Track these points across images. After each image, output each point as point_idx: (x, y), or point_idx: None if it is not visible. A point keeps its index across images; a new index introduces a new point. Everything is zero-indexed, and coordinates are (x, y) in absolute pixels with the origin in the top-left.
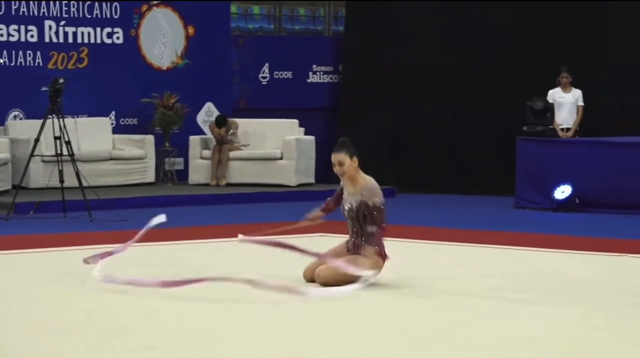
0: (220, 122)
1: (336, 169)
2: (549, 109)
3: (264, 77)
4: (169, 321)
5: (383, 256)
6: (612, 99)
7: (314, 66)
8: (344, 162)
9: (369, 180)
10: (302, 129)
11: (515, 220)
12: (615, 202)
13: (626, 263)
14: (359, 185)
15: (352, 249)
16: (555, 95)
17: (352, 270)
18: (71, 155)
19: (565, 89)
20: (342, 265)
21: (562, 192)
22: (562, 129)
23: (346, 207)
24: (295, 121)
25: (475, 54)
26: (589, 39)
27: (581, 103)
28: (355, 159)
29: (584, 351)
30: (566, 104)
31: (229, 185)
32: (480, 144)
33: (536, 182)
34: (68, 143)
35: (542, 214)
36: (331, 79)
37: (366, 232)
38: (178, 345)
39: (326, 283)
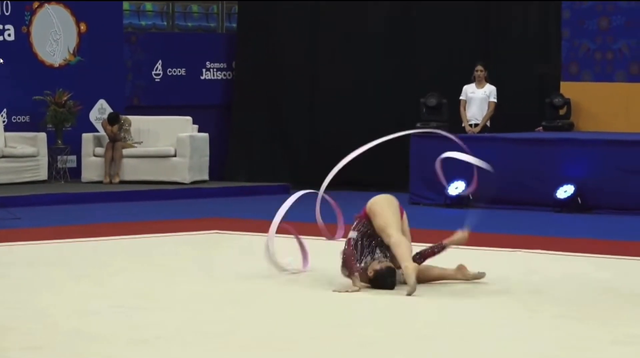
0: (113, 120)
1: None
2: (443, 105)
3: (157, 74)
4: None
5: None
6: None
7: (207, 63)
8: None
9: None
10: (196, 126)
11: (409, 216)
12: (509, 199)
13: (520, 258)
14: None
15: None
16: (467, 90)
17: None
18: None
19: (479, 84)
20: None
21: (456, 188)
22: (471, 125)
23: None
24: (189, 118)
25: (368, 51)
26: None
27: (493, 99)
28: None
29: None
30: (476, 99)
31: (122, 182)
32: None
33: (430, 178)
34: None
35: (436, 210)
36: (225, 76)
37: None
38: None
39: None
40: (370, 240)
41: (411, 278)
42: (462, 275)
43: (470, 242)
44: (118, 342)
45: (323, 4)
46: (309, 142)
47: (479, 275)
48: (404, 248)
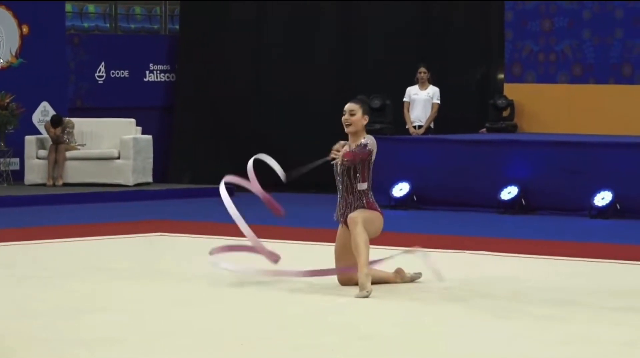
0: (56, 122)
1: (345, 117)
2: (387, 107)
3: (100, 76)
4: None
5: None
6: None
7: (150, 65)
8: (356, 112)
9: (369, 137)
10: (139, 128)
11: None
12: (454, 200)
13: (464, 259)
14: (359, 142)
15: (344, 217)
16: (411, 92)
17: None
18: None
19: (423, 85)
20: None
21: (400, 189)
22: (415, 126)
23: (338, 162)
24: (132, 120)
25: (312, 53)
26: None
27: (436, 100)
28: (366, 117)
29: None
30: (420, 100)
31: (65, 185)
32: (319, 143)
33: (375, 179)
34: None
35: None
36: (168, 77)
37: (356, 190)
38: None
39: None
40: (350, 167)
41: (367, 285)
42: (400, 278)
43: (415, 243)
44: (62, 344)
45: (266, 5)
46: (253, 143)
47: (416, 276)
48: (365, 252)
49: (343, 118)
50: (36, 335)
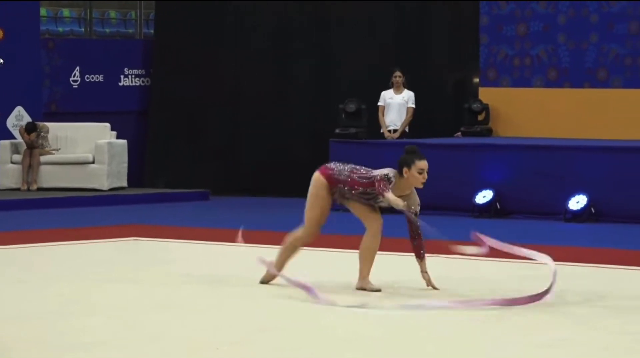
0: (31, 129)
1: (424, 176)
2: (362, 111)
3: (75, 81)
4: None
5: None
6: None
7: (125, 69)
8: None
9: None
10: (114, 133)
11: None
12: (429, 204)
13: (437, 263)
14: (411, 194)
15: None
16: (386, 96)
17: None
18: None
19: (397, 89)
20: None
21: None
22: (390, 131)
23: (385, 204)
24: (107, 125)
25: (288, 57)
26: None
27: (412, 105)
28: None
29: None
30: (395, 104)
31: (40, 189)
32: (294, 146)
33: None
34: None
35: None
36: (143, 82)
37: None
38: None
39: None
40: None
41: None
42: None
43: (388, 248)
44: (42, 349)
45: (242, 9)
46: (228, 148)
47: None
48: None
49: (423, 176)
50: (19, 338)
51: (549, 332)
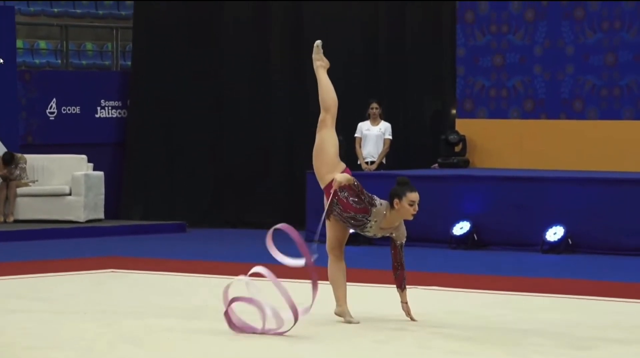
0: (8, 161)
1: (415, 208)
2: (339, 142)
3: (52, 113)
4: None
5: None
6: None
7: (102, 101)
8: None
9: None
10: (91, 165)
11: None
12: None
13: (416, 294)
14: (399, 226)
15: None
16: (363, 127)
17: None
18: None
19: (374, 121)
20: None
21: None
22: (367, 162)
23: (370, 233)
24: (84, 157)
25: (265, 90)
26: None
27: (388, 136)
28: None
29: None
30: (372, 136)
31: (16, 221)
32: (272, 178)
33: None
34: None
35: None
36: (120, 113)
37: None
38: None
39: None
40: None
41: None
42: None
43: (365, 279)
44: None
45: (219, 42)
46: (205, 180)
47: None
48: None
49: (414, 208)
50: None
51: None
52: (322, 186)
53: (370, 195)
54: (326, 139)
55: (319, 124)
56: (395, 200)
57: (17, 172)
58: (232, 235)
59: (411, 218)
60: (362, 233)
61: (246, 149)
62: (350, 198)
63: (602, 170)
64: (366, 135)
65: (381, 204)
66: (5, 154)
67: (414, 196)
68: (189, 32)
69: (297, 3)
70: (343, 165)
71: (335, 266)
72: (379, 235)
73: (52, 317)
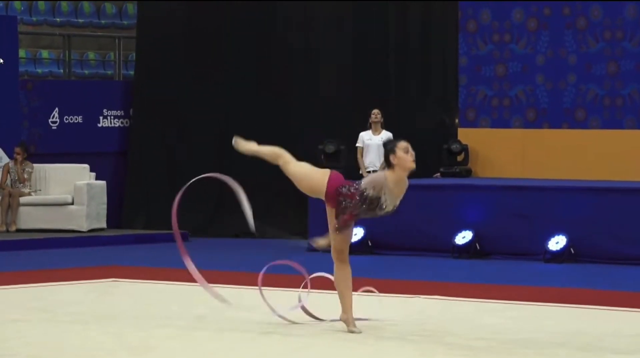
0: (25, 148)
1: (412, 153)
2: (341, 151)
3: (54, 122)
4: None
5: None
6: None
7: (104, 110)
8: None
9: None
10: (93, 174)
11: (308, 262)
12: (408, 245)
13: (418, 304)
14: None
15: None
16: (364, 137)
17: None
18: None
19: (376, 130)
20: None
21: (355, 234)
22: (369, 171)
23: (390, 206)
24: (86, 166)
25: (267, 96)
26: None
27: None
28: None
29: None
30: (373, 146)
31: (19, 231)
32: (275, 186)
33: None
34: None
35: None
36: (122, 123)
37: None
38: None
39: None
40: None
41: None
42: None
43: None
44: None
45: (222, 52)
46: (210, 188)
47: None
48: None
49: (411, 155)
50: None
51: None
52: (323, 197)
53: (358, 181)
54: (297, 170)
55: (282, 168)
56: (391, 156)
57: (25, 175)
58: (235, 244)
59: (413, 165)
60: (380, 213)
61: (249, 158)
62: (352, 188)
63: (604, 180)
64: (368, 145)
65: (377, 174)
66: (22, 142)
67: (404, 144)
68: (191, 42)
69: (302, 6)
70: (327, 170)
71: (341, 273)
72: (397, 203)
73: (54, 326)
